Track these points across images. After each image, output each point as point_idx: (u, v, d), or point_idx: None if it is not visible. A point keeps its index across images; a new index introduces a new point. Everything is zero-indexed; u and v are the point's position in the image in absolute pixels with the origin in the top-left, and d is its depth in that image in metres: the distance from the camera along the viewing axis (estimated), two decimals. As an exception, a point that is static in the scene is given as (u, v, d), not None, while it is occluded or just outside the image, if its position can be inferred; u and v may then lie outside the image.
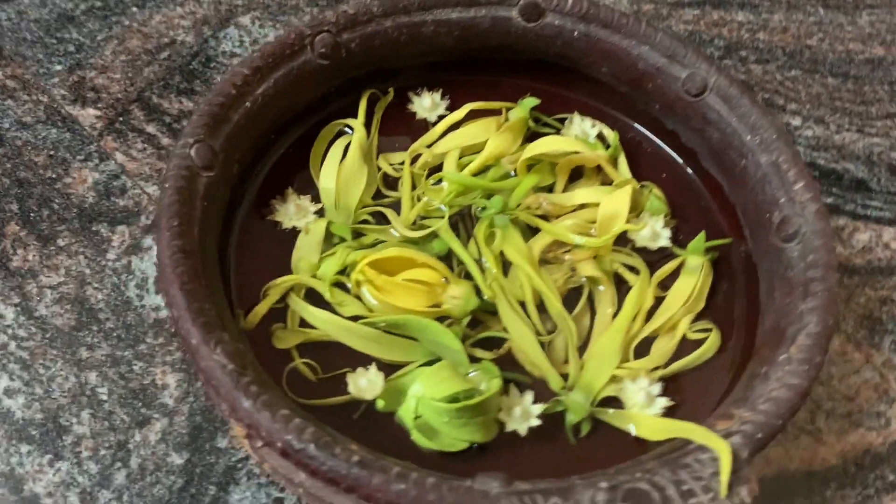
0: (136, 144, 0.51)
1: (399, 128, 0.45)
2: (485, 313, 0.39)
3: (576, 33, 0.43)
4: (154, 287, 0.45)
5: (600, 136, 0.45)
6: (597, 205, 0.42)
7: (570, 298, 0.40)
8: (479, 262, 0.40)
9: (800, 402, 0.31)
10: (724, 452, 0.28)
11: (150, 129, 0.52)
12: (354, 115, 0.44)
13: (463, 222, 0.42)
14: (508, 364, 0.38)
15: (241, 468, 0.40)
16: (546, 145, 0.42)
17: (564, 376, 0.37)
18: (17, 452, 0.40)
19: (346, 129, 0.44)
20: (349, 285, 0.38)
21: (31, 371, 0.43)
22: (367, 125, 0.44)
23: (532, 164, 0.43)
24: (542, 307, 0.39)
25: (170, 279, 0.32)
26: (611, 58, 0.43)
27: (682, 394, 0.37)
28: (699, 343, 0.38)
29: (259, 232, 0.40)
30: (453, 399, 0.34)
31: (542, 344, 0.38)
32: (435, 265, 0.38)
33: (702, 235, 0.40)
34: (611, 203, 0.41)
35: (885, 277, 0.50)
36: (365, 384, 0.35)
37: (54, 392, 0.42)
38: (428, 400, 0.33)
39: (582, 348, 0.38)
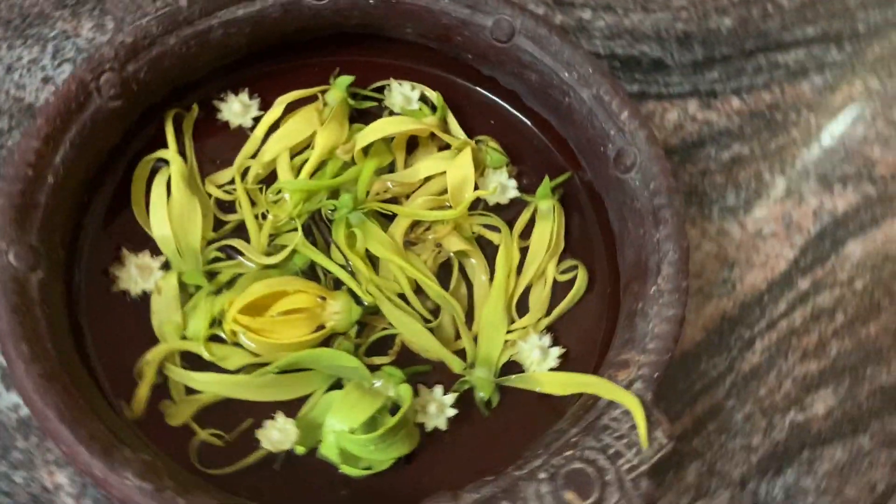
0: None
1: (216, 143, 0.42)
2: (368, 315, 0.39)
3: (371, 0, 0.41)
4: (3, 384, 0.41)
5: (422, 98, 0.44)
6: (441, 174, 0.42)
7: (442, 274, 0.41)
8: (346, 267, 0.39)
9: (679, 329, 0.34)
10: (634, 407, 0.31)
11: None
12: (163, 145, 0.40)
13: (316, 226, 0.41)
14: (405, 358, 0.38)
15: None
16: (377, 131, 0.41)
17: (460, 353, 0.38)
18: None
19: (161, 163, 0.40)
20: (223, 335, 0.37)
21: None
22: (181, 151, 0.41)
23: (367, 147, 0.42)
24: (418, 290, 0.40)
25: (46, 416, 0.29)
26: (413, 18, 0.42)
27: (569, 337, 0.39)
28: (569, 283, 0.40)
29: (109, 308, 0.37)
30: (370, 421, 0.34)
31: (431, 329, 0.39)
32: (306, 288, 0.37)
33: (546, 180, 0.41)
34: (456, 170, 0.41)
35: (699, 149, 0.54)
36: (278, 436, 0.35)
37: (-65, 536, 0.38)
38: (348, 436, 0.34)
39: (467, 319, 0.39)
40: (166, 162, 0.40)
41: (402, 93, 0.44)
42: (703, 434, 0.45)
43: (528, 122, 0.44)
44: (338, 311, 0.37)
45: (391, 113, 0.44)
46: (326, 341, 0.38)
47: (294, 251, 0.39)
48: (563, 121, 0.42)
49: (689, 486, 0.44)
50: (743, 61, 0.58)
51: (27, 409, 0.40)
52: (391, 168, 0.42)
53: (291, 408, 0.36)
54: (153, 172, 0.40)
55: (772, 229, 0.52)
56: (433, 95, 0.44)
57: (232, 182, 0.41)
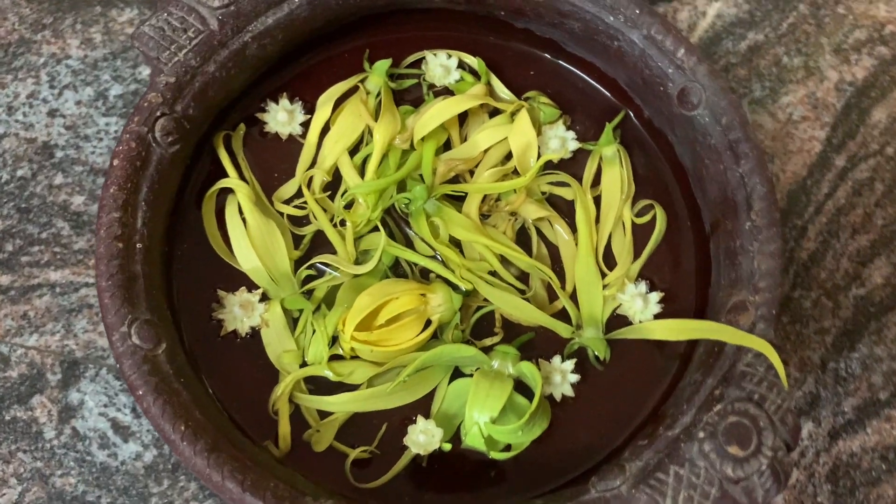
0: (-24, 301, 0.44)
1: (270, 156, 0.41)
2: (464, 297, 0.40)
3: (396, -23, 0.39)
4: (119, 436, 0.42)
5: (461, 65, 0.43)
6: (501, 142, 0.41)
7: (520, 239, 0.41)
8: (435, 257, 0.40)
9: (783, 262, 0.35)
10: (768, 351, 0.33)
11: (-24, 274, 0.44)
12: (221, 174, 0.39)
13: (394, 221, 0.41)
14: (509, 330, 0.40)
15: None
16: (435, 118, 0.40)
17: (560, 315, 0.40)
18: None
19: (224, 192, 0.39)
20: (341, 352, 0.37)
21: (67, 592, 0.39)
22: (240, 174, 0.40)
23: (420, 130, 0.41)
24: (503, 260, 0.40)
25: (230, 490, 0.30)
26: (441, -14, 0.40)
27: (662, 278, 0.40)
28: (648, 225, 0.41)
29: (223, 355, 0.37)
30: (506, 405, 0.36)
31: (528, 300, 0.40)
32: (407, 289, 0.38)
33: (608, 127, 0.41)
34: (518, 137, 0.41)
35: (717, 45, 0.54)
36: (424, 439, 0.36)
37: None
38: (494, 427, 0.35)
39: (559, 279, 0.40)
40: (230, 190, 0.39)
41: (440, 64, 0.43)
42: (778, 328, 0.47)
43: (571, 68, 0.43)
44: (440, 304, 0.38)
45: (432, 87, 0.43)
46: (435, 334, 0.38)
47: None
48: (612, 63, 0.41)
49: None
50: (740, -59, 0.57)
51: (148, 455, 0.41)
52: (447, 145, 0.42)
53: (420, 405, 0.38)
54: (220, 204, 0.39)
55: (801, 113, 0.53)
56: (473, 61, 0.43)
57: (298, 195, 0.40)
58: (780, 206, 0.50)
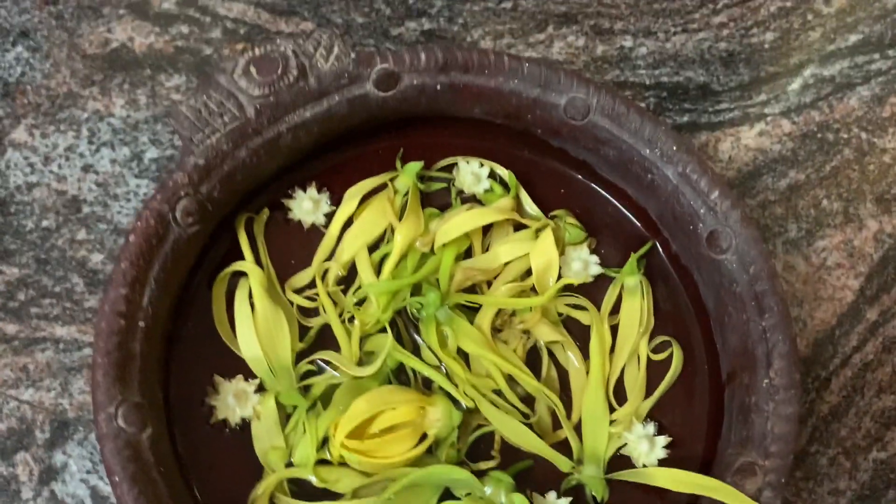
0: (-21, 347, 0.43)
1: (289, 243, 0.41)
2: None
3: (438, 87, 0.39)
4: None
5: (491, 174, 0.43)
6: (522, 257, 0.41)
7: (530, 358, 0.40)
8: (440, 368, 0.39)
9: (798, 428, 0.33)
10: (771, 524, 0.31)
11: (-15, 320, 0.44)
12: (237, 256, 0.39)
13: (402, 322, 0.40)
14: (507, 453, 0.38)
15: None
16: (458, 227, 0.40)
17: (561, 445, 0.38)
18: None
19: (237, 276, 0.39)
20: (329, 457, 0.36)
21: None
22: (257, 258, 0.40)
23: (442, 234, 0.41)
24: (509, 379, 0.39)
25: None
26: (482, 100, 0.40)
27: (672, 420, 0.39)
28: (663, 362, 0.40)
29: (210, 442, 0.36)
30: (491, 538, 0.34)
31: (530, 425, 0.38)
32: (406, 399, 0.37)
33: (633, 257, 0.41)
34: (540, 255, 0.40)
35: (756, 179, 0.53)
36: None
37: None
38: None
39: (564, 407, 0.39)
40: (243, 273, 0.39)
41: (471, 171, 0.42)
42: (791, 484, 0.45)
43: (603, 192, 0.43)
44: (439, 419, 0.37)
45: (461, 193, 0.42)
46: (429, 448, 0.37)
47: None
48: (644, 193, 0.41)
49: (785, 538, 0.44)
50: (789, 78, 0.57)
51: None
52: (468, 252, 0.41)
53: (405, 520, 0.36)
54: (232, 286, 0.39)
55: (835, 259, 0.51)
56: (504, 173, 0.42)
57: (311, 285, 0.40)
58: (804, 353, 0.48)
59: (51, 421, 0.42)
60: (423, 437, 0.37)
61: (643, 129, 0.39)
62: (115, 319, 0.32)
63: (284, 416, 0.37)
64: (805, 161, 0.54)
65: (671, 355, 0.40)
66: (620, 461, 0.38)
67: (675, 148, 0.38)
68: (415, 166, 0.41)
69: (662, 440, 0.38)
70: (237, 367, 0.38)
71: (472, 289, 0.41)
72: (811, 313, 0.50)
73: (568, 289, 0.41)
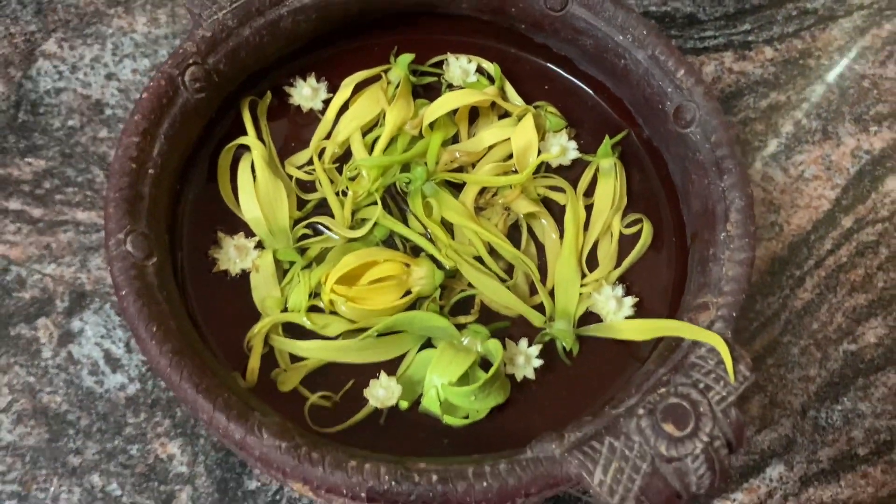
0: (8, 227, 0.47)
1: (290, 126, 0.44)
2: (448, 278, 0.41)
3: (428, -21, 0.43)
4: (109, 366, 0.44)
5: (479, 70, 0.46)
6: (505, 141, 0.44)
7: (512, 235, 0.43)
8: (425, 235, 0.42)
9: (751, 270, 0.36)
10: (719, 344, 0.34)
11: (14, 204, 0.48)
12: (242, 133, 0.43)
13: (391, 198, 0.43)
14: (485, 316, 0.41)
15: (280, 500, 0.42)
16: (443, 105, 0.43)
17: (537, 308, 0.41)
18: (63, 580, 0.40)
19: (242, 150, 0.43)
20: (321, 305, 0.39)
21: (31, 500, 0.41)
22: (260, 137, 0.43)
23: (433, 121, 0.44)
24: (492, 252, 0.42)
25: (185, 390, 0.32)
26: (467, -7, 0.44)
27: (640, 286, 0.42)
28: (635, 236, 0.43)
29: (212, 289, 0.39)
30: (465, 375, 0.37)
31: (508, 288, 0.41)
32: (392, 257, 0.40)
33: (607, 140, 0.44)
34: (520, 136, 0.43)
35: (738, 99, 0.56)
36: (383, 393, 0.37)
37: (66, 509, 0.41)
38: (450, 388, 0.36)
39: (541, 276, 0.42)
40: (247, 148, 0.42)
41: (459, 66, 0.46)
42: (763, 369, 0.48)
43: (583, 85, 0.46)
44: (422, 277, 0.40)
45: (450, 87, 0.46)
46: (413, 305, 0.40)
47: (375, 223, 0.41)
48: (619, 82, 0.44)
49: (754, 418, 0.46)
50: (773, 10, 0.59)
51: (132, 388, 0.43)
52: (456, 139, 0.45)
53: (389, 367, 0.39)
54: (236, 159, 0.42)
55: (813, 172, 0.54)
56: (490, 67, 0.46)
57: (310, 163, 0.43)
58: (780, 254, 0.51)
59: (70, 292, 0.46)
60: (408, 293, 0.40)
61: (616, 16, 0.42)
62: (127, 163, 0.36)
63: (282, 271, 0.41)
64: (786, 84, 0.57)
65: (641, 230, 0.43)
66: (591, 319, 0.41)
67: (644, 32, 0.41)
68: (406, 58, 0.45)
69: (630, 300, 0.41)
70: (239, 227, 0.41)
71: (458, 170, 0.44)
72: (787, 219, 0.52)
73: (547, 171, 0.44)
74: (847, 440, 0.46)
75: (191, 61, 0.39)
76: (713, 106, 0.39)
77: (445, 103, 0.43)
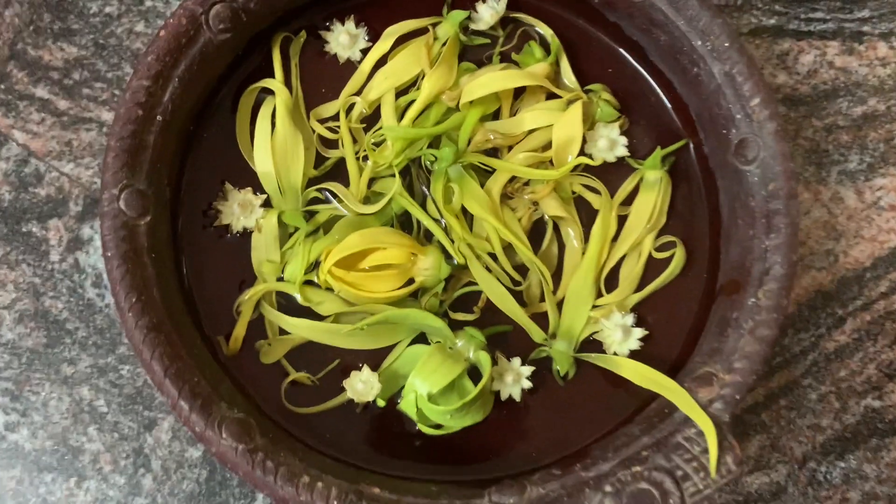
0: (32, 116, 0.46)
1: (322, 72, 0.41)
2: (456, 269, 0.39)
3: (498, -67, 0.38)
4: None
5: (536, 37, 0.41)
6: (546, 127, 0.40)
7: (535, 229, 0.40)
8: (440, 222, 0.39)
9: (770, 351, 0.33)
10: (709, 432, 0.31)
11: (41, 91, 0.46)
12: (268, 73, 0.40)
13: (415, 171, 0.40)
14: (488, 314, 0.39)
15: (256, 445, 0.43)
16: (485, 85, 0.39)
17: (543, 317, 0.39)
18: (43, 482, 0.42)
19: (265, 93, 0.40)
20: (316, 280, 0.38)
21: (22, 401, 0.43)
22: (287, 81, 0.40)
23: (473, 92, 0.40)
24: (508, 246, 0.39)
25: (153, 370, 0.31)
26: (539, -44, 0.38)
27: (655, 318, 0.39)
28: (664, 261, 0.39)
29: (209, 244, 0.38)
30: (450, 385, 0.36)
31: (516, 293, 0.39)
32: (400, 242, 0.38)
33: (658, 152, 0.39)
34: (564, 128, 0.39)
35: (831, 102, 0.50)
36: (362, 388, 0.37)
37: (53, 416, 0.43)
38: (426, 403, 0.35)
39: (555, 281, 0.39)
40: (271, 92, 0.40)
41: (490, 7, 0.41)
42: (773, 408, 0.45)
43: (649, 78, 0.41)
44: (428, 268, 0.38)
45: (501, 56, 0.41)
46: (414, 294, 0.38)
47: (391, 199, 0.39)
48: (688, 88, 0.39)
49: (750, 458, 0.45)
50: (902, -2, 0.51)
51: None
52: (496, 114, 0.41)
53: (377, 354, 0.38)
54: (259, 102, 0.40)
55: (890, 200, 0.49)
56: (548, 33, 0.41)
57: (335, 117, 0.40)
58: (826, 287, 0.47)
59: (85, 196, 0.45)
60: (410, 282, 0.38)
61: (699, 17, 0.36)
62: (133, 109, 0.34)
63: (286, 236, 0.39)
64: (891, 92, 0.50)
65: (674, 256, 0.39)
66: (593, 346, 0.39)
67: (727, 44, 0.36)
68: (459, 15, 0.40)
69: (638, 332, 0.38)
70: (248, 180, 0.39)
71: (492, 152, 0.41)
72: (846, 250, 0.48)
73: (588, 168, 0.40)
74: (841, 500, 0.44)
75: (217, -1, 0.36)
76: (782, 149, 0.35)
77: (488, 84, 0.39)
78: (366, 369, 0.37)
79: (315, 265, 0.38)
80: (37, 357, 0.43)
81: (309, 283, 0.38)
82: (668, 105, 0.41)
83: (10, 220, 0.45)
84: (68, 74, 0.47)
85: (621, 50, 0.41)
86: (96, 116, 0.46)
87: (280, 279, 0.38)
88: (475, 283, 0.39)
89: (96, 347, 0.44)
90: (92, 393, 0.43)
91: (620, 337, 0.38)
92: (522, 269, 0.40)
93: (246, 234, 0.39)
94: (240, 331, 0.37)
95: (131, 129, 0.34)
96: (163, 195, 0.35)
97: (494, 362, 0.37)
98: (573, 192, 0.40)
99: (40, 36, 0.47)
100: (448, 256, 0.39)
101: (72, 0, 0.48)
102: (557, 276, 0.40)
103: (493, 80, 0.39)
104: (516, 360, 0.38)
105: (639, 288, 0.39)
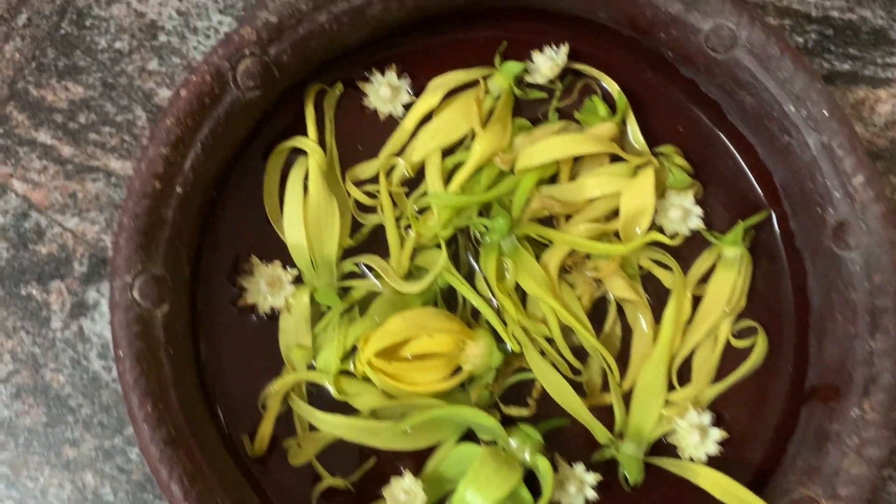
0: (33, 163, 0.42)
1: (360, 127, 0.36)
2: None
3: (562, -23, 0.33)
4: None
5: (599, 91, 0.37)
6: (611, 195, 0.36)
7: (597, 307, 0.36)
8: (492, 302, 0.35)
9: (879, 475, 0.29)
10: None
11: (43, 136, 0.42)
12: (300, 130, 0.35)
13: (463, 240, 0.36)
14: (544, 403, 0.35)
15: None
16: (545, 153, 0.34)
17: (607, 410, 0.34)
18: (41, 581, 0.38)
19: (297, 153, 0.35)
20: (352, 370, 0.34)
21: (19, 487, 0.38)
22: (321, 138, 0.36)
23: (529, 157, 0.36)
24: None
25: (171, 490, 0.27)
26: (611, 3, 0.34)
27: (734, 416, 0.35)
28: (743, 351, 0.35)
29: (234, 326, 0.34)
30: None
31: (577, 383, 0.35)
32: (448, 327, 0.33)
33: (740, 226, 0.35)
34: (633, 197, 0.35)
35: (911, 155, 0.45)
36: (404, 498, 0.32)
37: (54, 505, 0.38)
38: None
39: (619, 365, 0.35)
40: (303, 151, 0.35)
41: (548, 59, 0.36)
42: None
43: (727, 141, 0.37)
44: (478, 356, 0.34)
45: (559, 111, 0.37)
46: (462, 384, 0.34)
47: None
48: (775, 156, 0.34)
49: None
50: None
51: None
52: (553, 179, 0.36)
53: (417, 453, 0.34)
54: (289, 162, 0.35)
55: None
56: (614, 90, 0.37)
57: (373, 179, 0.36)
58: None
59: (90, 255, 0.41)
60: (458, 369, 0.34)
61: (794, 80, 0.32)
62: (150, 181, 0.29)
63: (318, 313, 0.35)
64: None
65: (754, 344, 0.35)
66: (665, 448, 0.34)
67: (825, 113, 0.32)
68: (514, 67, 0.36)
69: (717, 434, 0.34)
70: (277, 251, 0.35)
71: (549, 219, 0.36)
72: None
73: (656, 241, 0.36)
74: None
75: (247, 52, 0.31)
76: (891, 237, 0.30)
77: (547, 150, 0.34)
78: (408, 476, 0.33)
79: (351, 350, 0.34)
80: (35, 437, 0.39)
81: (344, 372, 0.34)
82: (748, 171, 0.36)
83: (7, 281, 0.40)
84: (73, 117, 0.42)
85: (695, 108, 0.37)
86: (104, 165, 0.42)
87: (311, 366, 0.34)
88: (528, 369, 0.35)
89: (102, 427, 0.39)
90: (97, 479, 0.39)
91: (697, 440, 0.34)
92: (580, 352, 0.35)
93: (273, 315, 0.34)
94: (266, 429, 0.33)
95: (147, 205, 0.29)
96: (182, 277, 0.31)
97: (554, 467, 0.33)
98: (640, 268, 0.36)
99: (43, 74, 0.43)
100: (499, 340, 0.34)
101: (78, 34, 0.43)
102: (620, 361, 0.35)
103: (554, 146, 0.34)
104: (579, 467, 0.33)
105: (715, 381, 0.35)
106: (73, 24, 0.43)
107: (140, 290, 0.29)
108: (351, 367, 0.33)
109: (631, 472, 0.33)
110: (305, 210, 0.34)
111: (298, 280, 0.35)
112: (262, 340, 0.34)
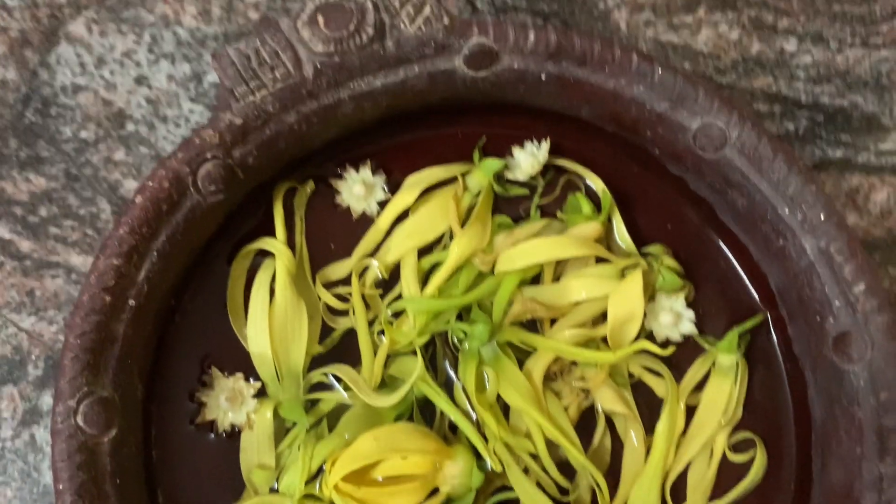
0: (-11, 260, 0.40)
1: (331, 227, 0.34)
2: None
3: (543, 76, 0.32)
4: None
5: (584, 189, 0.35)
6: (598, 298, 0.33)
7: (584, 419, 0.33)
8: (471, 415, 0.32)
9: None
10: None
11: (1, 230, 0.40)
12: (267, 230, 0.33)
13: (440, 344, 0.34)
14: (527, 524, 0.32)
15: None
16: (525, 256, 0.33)
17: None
18: None
19: (263, 255, 0.33)
20: (319, 495, 0.31)
21: None
22: (290, 237, 0.34)
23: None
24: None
25: None
26: (594, 101, 0.32)
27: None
28: (741, 466, 0.33)
29: (192, 445, 0.31)
30: None
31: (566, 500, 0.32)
32: (423, 447, 0.31)
33: (734, 333, 0.33)
34: (621, 302, 0.33)
35: (908, 246, 0.44)
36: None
37: None
38: None
39: (608, 481, 0.32)
40: (270, 253, 0.33)
41: (529, 154, 0.34)
42: None
43: (719, 241, 0.35)
44: (456, 476, 0.31)
45: (540, 209, 0.35)
46: None
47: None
48: (770, 259, 0.33)
49: None
50: (985, 129, 0.46)
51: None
52: (535, 279, 0.34)
53: (391, 583, 0.31)
54: (254, 266, 0.33)
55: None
56: (599, 187, 0.35)
57: (345, 280, 0.34)
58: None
59: (46, 357, 0.38)
60: (434, 491, 0.31)
61: (788, 182, 0.30)
62: (100, 295, 0.27)
63: (282, 429, 0.32)
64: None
65: (753, 458, 0.33)
66: (660, 573, 0.32)
67: (822, 217, 0.30)
68: (494, 164, 0.34)
69: (716, 563, 0.31)
70: (240, 362, 0.32)
71: (532, 323, 0.34)
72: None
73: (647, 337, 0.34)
74: None
75: (208, 155, 0.29)
76: (896, 351, 0.28)
77: (530, 252, 0.33)
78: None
79: (317, 472, 0.31)
80: (-22, 561, 0.36)
81: (309, 496, 0.31)
82: (742, 273, 0.34)
83: (-46, 387, 0.38)
84: (34, 210, 0.40)
85: (684, 206, 0.35)
86: (64, 261, 0.40)
87: (274, 489, 0.31)
88: (510, 489, 0.32)
89: (51, 548, 0.36)
90: None
91: (693, 567, 0.31)
92: (567, 467, 0.33)
93: (234, 433, 0.32)
94: (224, 563, 0.30)
95: (95, 321, 0.27)
96: (133, 396, 0.29)
97: None
98: (630, 375, 0.34)
99: (4, 165, 0.41)
100: (479, 457, 0.32)
101: (42, 123, 0.42)
102: (610, 476, 0.33)
103: (536, 249, 0.33)
104: None
105: (711, 498, 0.32)
106: (37, 112, 0.42)
107: (85, 415, 0.26)
108: (317, 491, 0.31)
109: None
110: (271, 317, 0.32)
111: (262, 392, 0.32)
112: (221, 460, 0.31)
